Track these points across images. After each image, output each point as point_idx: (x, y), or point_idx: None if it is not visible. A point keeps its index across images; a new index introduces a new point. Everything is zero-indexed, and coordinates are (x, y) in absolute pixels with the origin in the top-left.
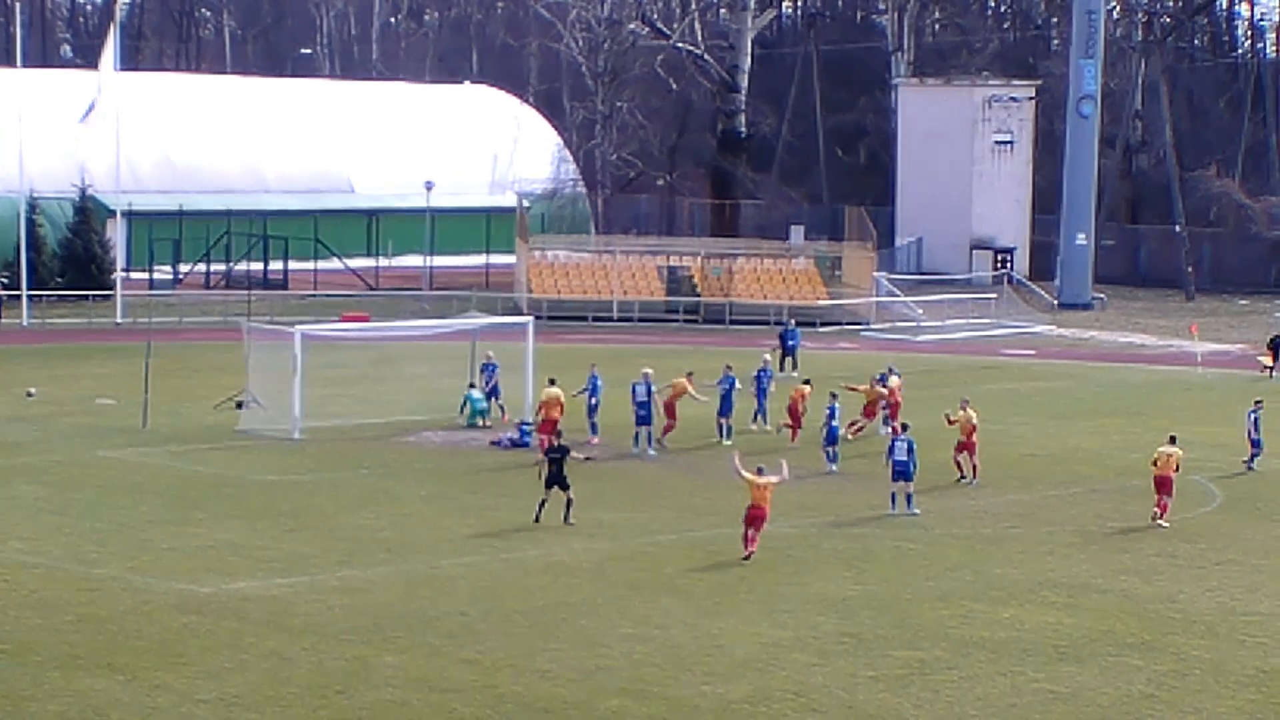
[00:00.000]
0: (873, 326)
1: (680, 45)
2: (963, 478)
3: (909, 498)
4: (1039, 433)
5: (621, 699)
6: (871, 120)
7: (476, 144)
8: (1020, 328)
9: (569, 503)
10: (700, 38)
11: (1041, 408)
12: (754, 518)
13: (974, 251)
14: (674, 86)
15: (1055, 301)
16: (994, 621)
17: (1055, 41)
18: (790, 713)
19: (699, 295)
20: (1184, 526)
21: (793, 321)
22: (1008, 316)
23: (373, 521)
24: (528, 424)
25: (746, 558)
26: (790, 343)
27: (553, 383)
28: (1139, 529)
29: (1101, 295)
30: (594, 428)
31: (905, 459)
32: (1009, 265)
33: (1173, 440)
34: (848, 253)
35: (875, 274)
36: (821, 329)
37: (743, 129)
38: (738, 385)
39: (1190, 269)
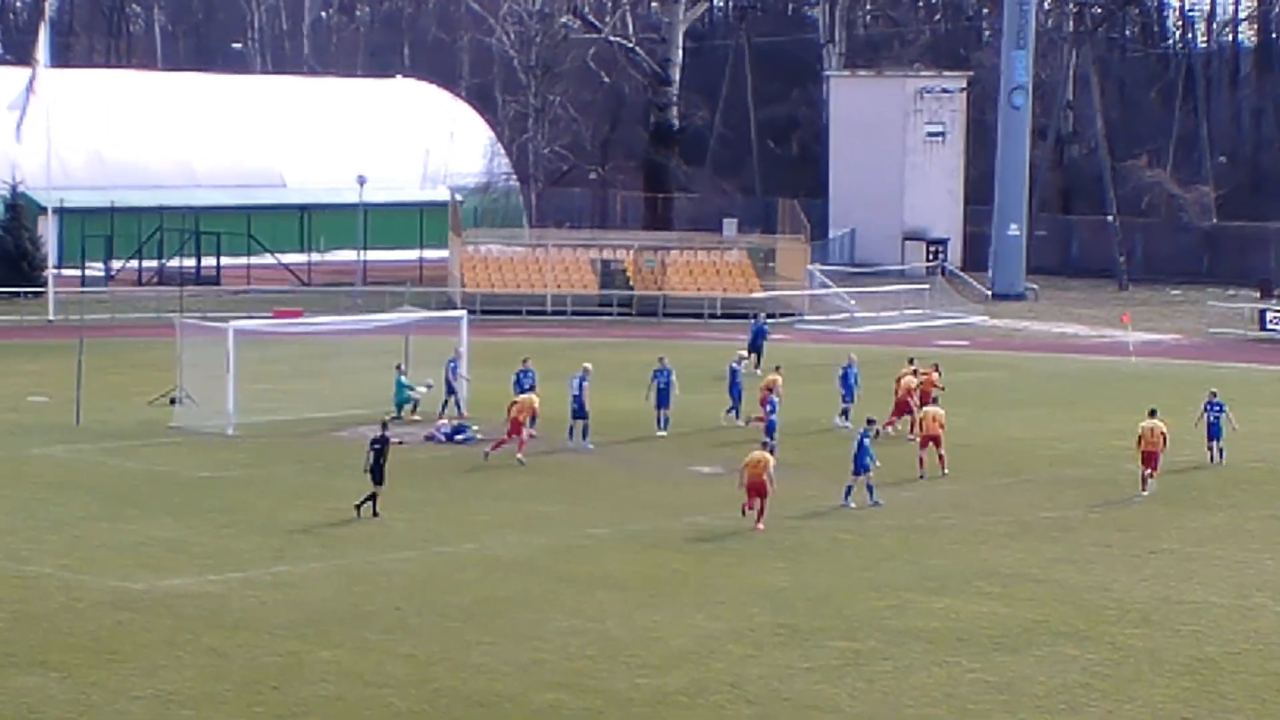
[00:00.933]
0: (806, 318)
1: (612, 38)
2: (922, 476)
3: (869, 489)
4: (973, 423)
5: (557, 692)
6: (804, 112)
7: (409, 138)
8: (953, 318)
9: (374, 496)
10: (632, 30)
11: (975, 398)
12: (752, 488)
13: (907, 243)
14: (606, 80)
15: (988, 292)
16: (929, 612)
17: (987, 33)
18: (726, 704)
19: (632, 288)
20: (1118, 516)
21: (762, 316)
22: (941, 307)
23: (307, 517)
24: (467, 427)
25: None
26: (759, 340)
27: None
28: (1073, 518)
29: (1034, 285)
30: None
31: (863, 453)
32: (942, 256)
33: (1153, 414)
34: (781, 245)
35: (808, 266)
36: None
37: (675, 122)
38: (674, 377)
39: (1122, 259)
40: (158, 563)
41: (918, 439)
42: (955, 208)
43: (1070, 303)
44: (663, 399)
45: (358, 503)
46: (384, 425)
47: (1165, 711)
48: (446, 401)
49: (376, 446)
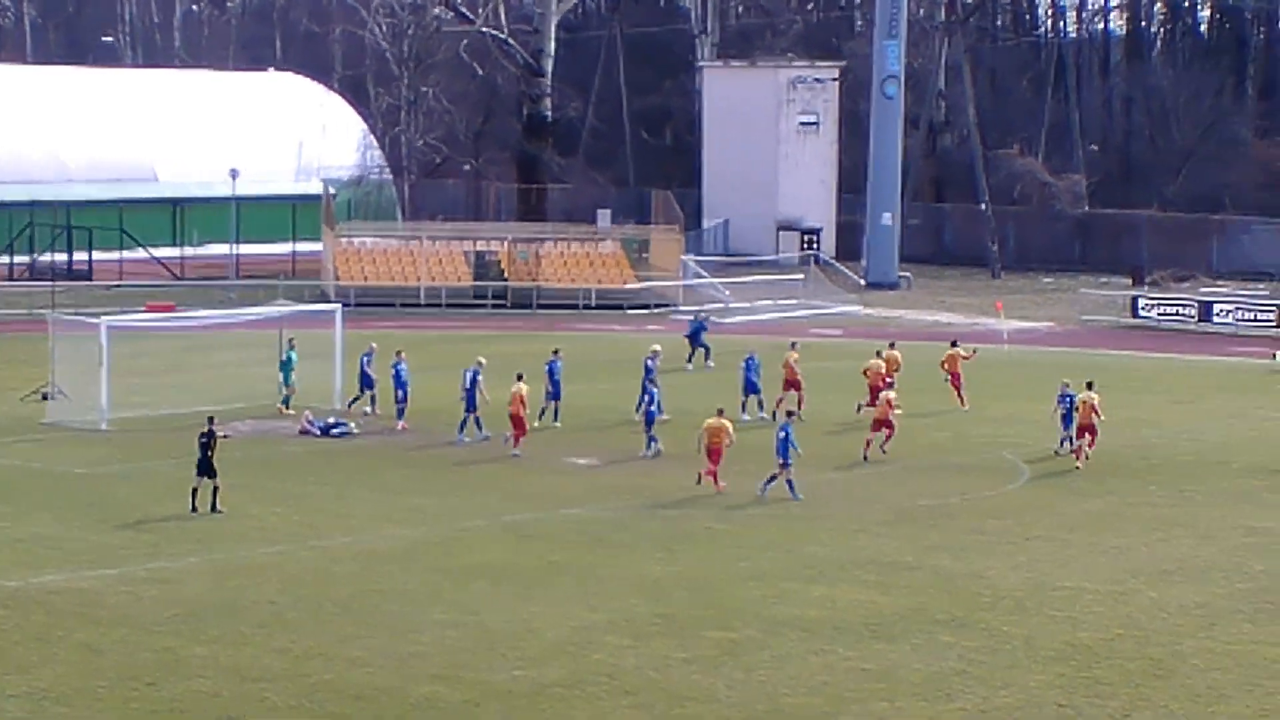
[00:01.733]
0: (681, 309)
1: (485, 30)
2: (866, 459)
3: (789, 483)
4: (848, 412)
5: (434, 685)
6: (677, 103)
7: (281, 131)
8: (827, 308)
9: (214, 491)
10: (504, 22)
11: (850, 387)
12: (711, 453)
13: (780, 232)
14: (479, 71)
15: (862, 281)
16: (806, 600)
17: (859, 22)
18: (603, 695)
19: (506, 280)
20: (992, 503)
21: (701, 313)
22: (815, 297)
23: (182, 512)
24: (345, 423)
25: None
26: (699, 336)
27: (520, 378)
28: (950, 506)
29: (908, 274)
30: (401, 413)
31: (786, 444)
32: (816, 246)
33: (1089, 386)
34: (655, 236)
35: (682, 256)
36: (629, 312)
37: (548, 113)
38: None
39: (995, 247)
40: (32, 559)
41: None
42: (828, 197)
43: (943, 291)
44: (555, 392)
45: (192, 500)
46: (210, 420)
47: (1041, 698)
48: (360, 395)
49: (203, 440)
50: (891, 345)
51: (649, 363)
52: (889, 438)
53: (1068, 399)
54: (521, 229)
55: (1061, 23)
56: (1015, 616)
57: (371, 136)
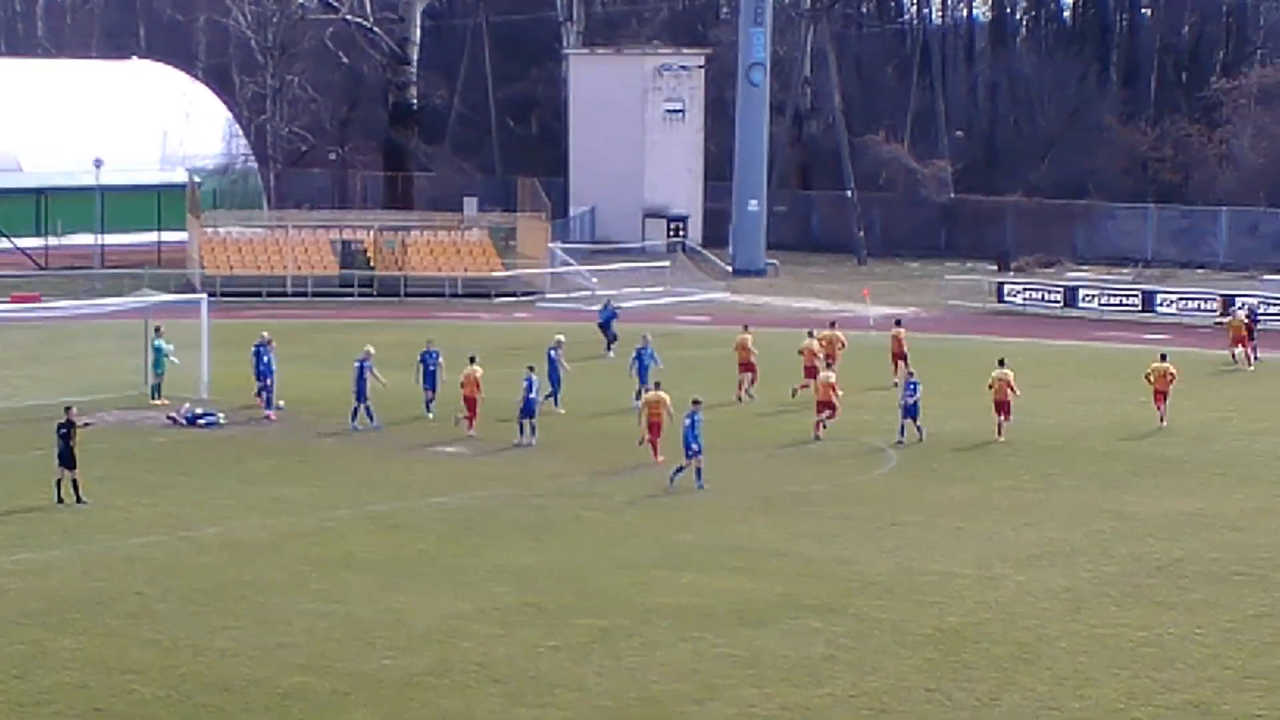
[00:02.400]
0: (548, 297)
1: (350, 18)
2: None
3: (697, 472)
4: (716, 399)
5: (303, 675)
6: (543, 91)
7: (146, 120)
8: (694, 295)
9: (74, 483)
10: (369, 10)
11: (718, 374)
12: (652, 426)
13: (647, 220)
14: (344, 60)
15: (729, 268)
16: (675, 588)
17: (725, 9)
18: (473, 684)
19: (373, 269)
20: (860, 489)
21: (608, 302)
22: (682, 284)
23: (47, 503)
24: (213, 414)
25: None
26: (610, 323)
27: (473, 360)
28: (817, 492)
29: (774, 261)
30: (269, 402)
31: (692, 433)
32: (682, 233)
33: (1001, 363)
34: (521, 224)
35: (549, 244)
36: (496, 300)
37: (414, 101)
38: (441, 360)
39: (861, 233)
40: None
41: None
42: (695, 185)
43: (810, 278)
44: (430, 381)
45: (57, 491)
46: (68, 410)
47: (909, 682)
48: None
49: (62, 431)
50: (832, 325)
51: (552, 353)
52: (830, 417)
53: (911, 388)
54: (388, 217)
55: (926, 9)
56: (883, 602)
57: (237, 125)
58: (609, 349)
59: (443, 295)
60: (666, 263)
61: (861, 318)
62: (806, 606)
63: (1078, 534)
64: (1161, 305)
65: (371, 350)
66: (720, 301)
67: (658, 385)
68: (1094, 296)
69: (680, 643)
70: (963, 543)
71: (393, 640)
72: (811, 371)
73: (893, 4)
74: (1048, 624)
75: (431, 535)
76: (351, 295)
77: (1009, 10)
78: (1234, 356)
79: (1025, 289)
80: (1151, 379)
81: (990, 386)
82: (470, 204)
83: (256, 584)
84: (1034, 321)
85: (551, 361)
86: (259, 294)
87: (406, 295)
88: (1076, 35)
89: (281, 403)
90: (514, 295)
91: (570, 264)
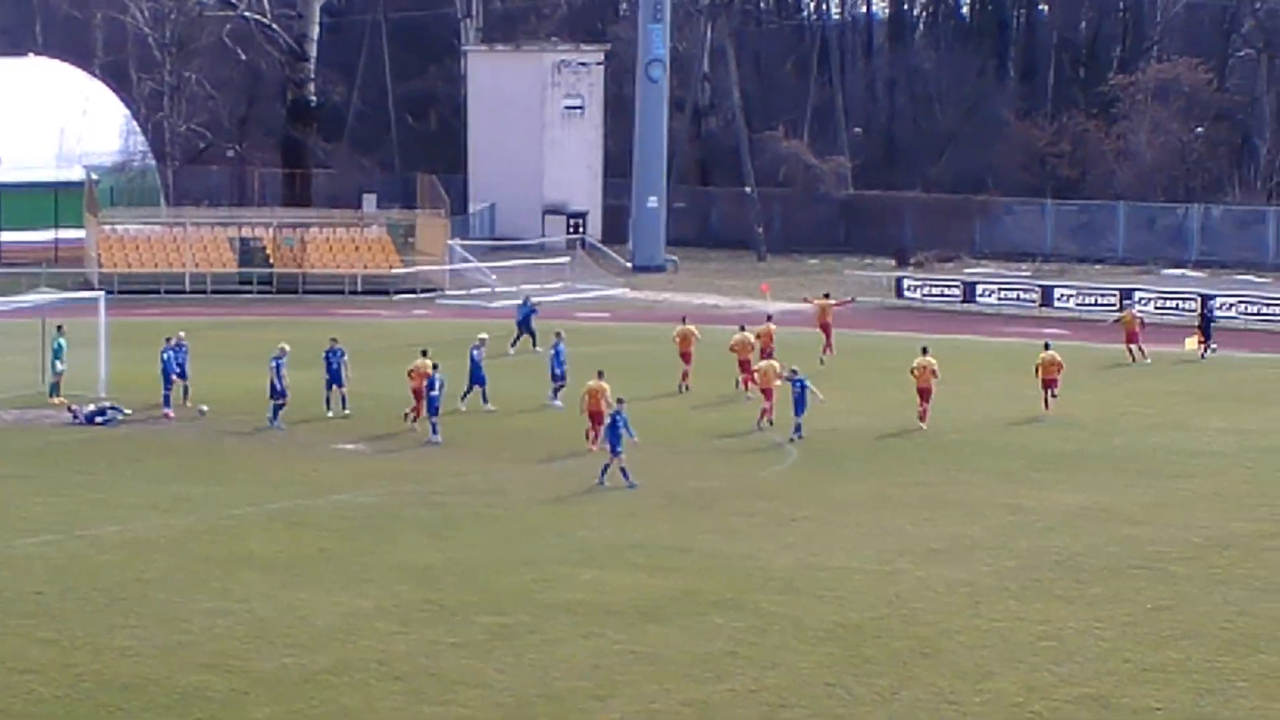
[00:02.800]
0: (447, 294)
1: (248, 15)
2: (761, 428)
3: (623, 470)
4: (617, 394)
5: (203, 674)
6: (442, 87)
7: (42, 117)
8: (595, 291)
9: None
10: (267, 6)
11: (619, 370)
12: (592, 415)
13: (547, 216)
14: (242, 56)
15: (629, 265)
16: (576, 584)
17: (624, 6)
18: (373, 681)
19: (272, 266)
20: (762, 485)
21: (527, 299)
22: (582, 280)
23: None
24: (117, 409)
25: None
26: (529, 320)
27: (425, 354)
28: (719, 488)
29: (674, 257)
30: (167, 400)
31: (618, 431)
32: (582, 230)
33: (925, 351)
34: (421, 220)
35: (449, 241)
36: (396, 297)
37: (313, 98)
38: (346, 358)
39: (761, 229)
40: None
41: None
42: (594, 181)
43: (710, 274)
44: (335, 379)
45: None
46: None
47: (810, 677)
48: (183, 387)
49: None
50: (769, 319)
51: (474, 352)
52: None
53: (798, 384)
54: (287, 214)
55: (825, 6)
56: (784, 597)
57: (134, 122)
58: (535, 346)
59: (342, 292)
60: (566, 259)
61: (761, 314)
62: (708, 602)
63: (977, 528)
64: (1060, 300)
65: (286, 348)
66: (619, 298)
67: (600, 375)
68: (992, 292)
69: (581, 639)
70: (863, 538)
71: (293, 638)
72: (746, 365)
73: (791, 0)
74: (947, 618)
75: (332, 533)
76: (250, 292)
77: (907, 6)
78: (1130, 354)
79: (924, 284)
80: (1039, 370)
81: (913, 373)
82: (369, 201)
83: (156, 582)
84: (933, 317)
85: (474, 360)
86: (157, 291)
87: (305, 292)
88: (974, 31)
89: (204, 407)
90: (413, 292)
91: (470, 261)
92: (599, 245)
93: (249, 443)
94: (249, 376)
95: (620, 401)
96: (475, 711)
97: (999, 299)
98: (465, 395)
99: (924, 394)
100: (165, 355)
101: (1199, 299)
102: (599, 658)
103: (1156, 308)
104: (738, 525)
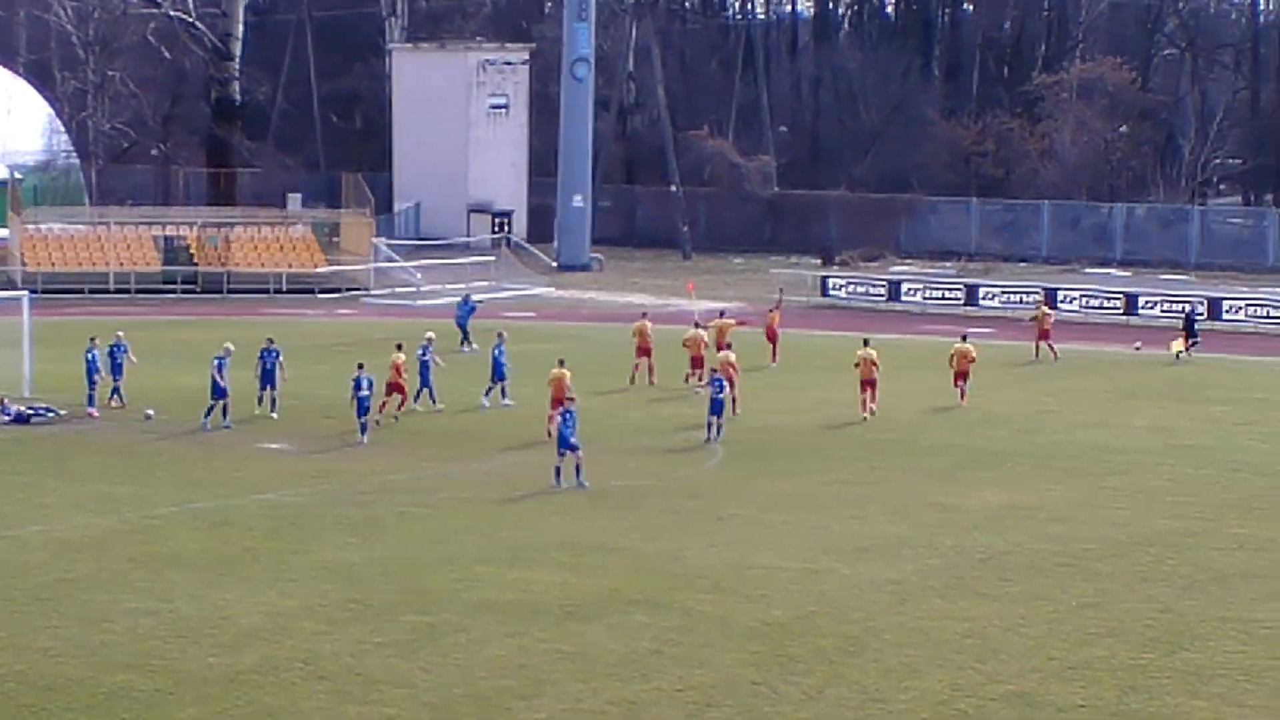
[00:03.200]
0: (372, 293)
1: (172, 14)
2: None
3: (576, 469)
4: (540, 394)
5: (127, 674)
6: (367, 86)
7: None
8: (520, 290)
9: None
10: (192, 5)
11: (543, 370)
12: (556, 401)
13: (472, 215)
14: (167, 55)
15: (554, 264)
16: (501, 583)
17: (549, 5)
18: (299, 681)
19: (196, 265)
20: (687, 483)
21: (467, 296)
22: (507, 279)
23: None
24: (51, 409)
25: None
26: (467, 318)
27: (399, 348)
28: (644, 487)
29: (599, 256)
30: (91, 400)
31: (567, 429)
32: (507, 229)
33: (866, 343)
34: (345, 219)
35: (374, 240)
36: (321, 296)
37: (237, 97)
38: (281, 359)
39: (686, 228)
40: None
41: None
42: (520, 180)
43: (635, 273)
44: (268, 379)
45: None
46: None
47: (736, 676)
48: (116, 387)
49: None
50: (721, 314)
51: (421, 352)
52: (735, 401)
53: (718, 383)
54: (211, 213)
55: (750, 4)
56: (710, 596)
57: (58, 121)
58: (466, 344)
59: (267, 292)
60: (491, 258)
61: (687, 312)
62: (633, 601)
63: (903, 527)
64: (985, 299)
65: (230, 347)
66: (545, 297)
67: (561, 363)
68: (917, 290)
69: (507, 638)
70: (789, 536)
71: (218, 638)
72: (699, 361)
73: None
74: (874, 617)
75: (257, 532)
76: (175, 292)
77: (832, 5)
78: (1037, 350)
79: (849, 283)
80: (953, 361)
81: (856, 366)
82: (294, 200)
83: (80, 582)
84: (858, 315)
85: (423, 362)
86: (81, 291)
87: (230, 292)
88: (899, 30)
89: (151, 411)
90: (338, 291)
91: (395, 260)
92: (524, 244)
93: (174, 442)
94: (174, 376)
95: (570, 399)
96: (401, 711)
97: (924, 298)
98: (420, 395)
99: (867, 385)
100: (89, 355)
101: (1186, 303)
102: (525, 657)
103: (1081, 306)
104: (664, 524)
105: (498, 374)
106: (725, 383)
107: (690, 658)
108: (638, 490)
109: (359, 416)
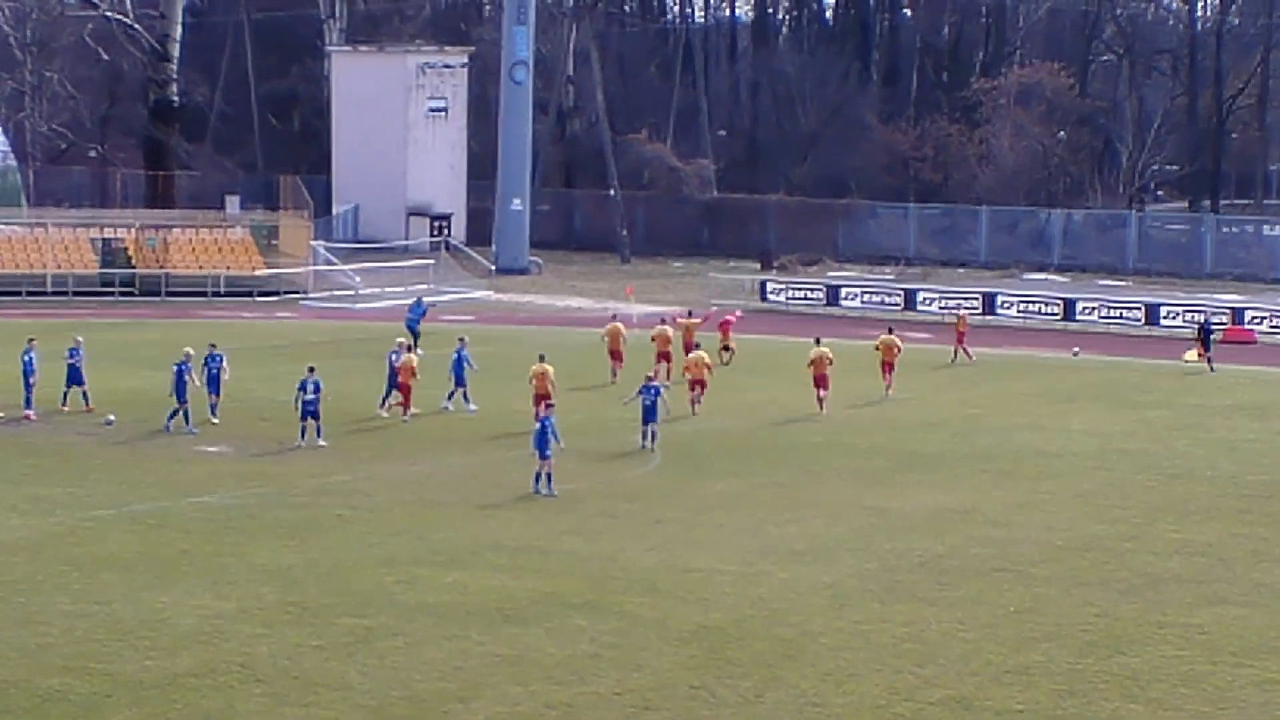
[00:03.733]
0: (311, 295)
1: (109, 15)
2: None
3: (548, 477)
4: (478, 396)
5: (63, 677)
6: (305, 88)
7: None
8: (459, 293)
9: None
10: (129, 7)
11: (481, 373)
12: (538, 398)
13: (411, 218)
14: (104, 56)
15: (492, 267)
16: (438, 586)
17: (488, 8)
18: (235, 684)
19: (134, 267)
20: (624, 486)
21: (419, 299)
22: (446, 282)
23: None
24: None
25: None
26: (418, 321)
27: (405, 348)
28: (581, 490)
29: (538, 259)
30: (29, 401)
31: (544, 435)
32: (446, 231)
33: (818, 341)
34: (284, 221)
35: (312, 242)
36: (259, 299)
37: (175, 99)
38: (224, 362)
39: (625, 232)
40: None
41: (686, 382)
42: (458, 183)
43: (573, 276)
44: (212, 385)
45: None
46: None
47: (673, 679)
48: (83, 391)
49: None
50: (689, 314)
51: (392, 357)
52: (702, 393)
53: (652, 391)
54: (149, 215)
55: (689, 9)
56: (648, 599)
57: None
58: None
59: (205, 294)
60: (430, 261)
61: (625, 316)
62: (570, 604)
63: (840, 530)
64: (923, 303)
65: (191, 352)
66: (483, 300)
67: (542, 358)
68: (856, 295)
69: (444, 641)
70: (726, 539)
71: (154, 641)
72: (664, 357)
73: (655, 3)
74: (811, 620)
75: (193, 535)
76: (112, 294)
77: (771, 9)
78: (954, 354)
79: (788, 287)
80: (879, 349)
81: (810, 364)
82: (232, 202)
83: (15, 585)
84: (797, 320)
85: (391, 365)
86: (19, 293)
87: (168, 294)
88: (838, 34)
89: (111, 416)
90: (276, 294)
91: (333, 263)
92: (463, 247)
93: (110, 444)
94: (113, 378)
95: (549, 406)
96: (337, 714)
97: (862, 302)
98: (450, 395)
99: (820, 382)
100: (26, 357)
101: (1202, 313)
102: (461, 660)
103: (1019, 311)
104: (600, 526)
105: (459, 379)
106: (659, 390)
107: (628, 661)
108: (576, 493)
109: (315, 420)
